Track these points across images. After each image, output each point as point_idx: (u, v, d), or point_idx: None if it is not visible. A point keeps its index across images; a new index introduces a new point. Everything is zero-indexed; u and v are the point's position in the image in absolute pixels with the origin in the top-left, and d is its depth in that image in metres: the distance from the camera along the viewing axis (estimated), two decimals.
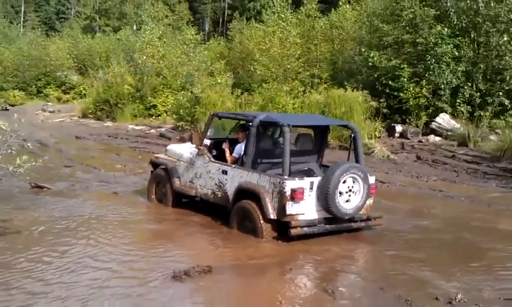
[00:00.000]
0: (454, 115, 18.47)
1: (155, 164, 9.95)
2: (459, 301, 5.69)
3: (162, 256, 7.05)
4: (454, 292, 5.88)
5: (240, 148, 8.54)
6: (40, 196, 10.24)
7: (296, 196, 7.34)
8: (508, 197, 11.52)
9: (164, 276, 6.17)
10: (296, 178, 7.56)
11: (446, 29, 18.53)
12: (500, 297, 5.90)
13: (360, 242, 8.05)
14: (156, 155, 10.55)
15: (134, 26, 45.19)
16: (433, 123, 18.41)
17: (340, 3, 25.86)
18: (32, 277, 6.03)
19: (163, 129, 22.78)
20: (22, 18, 69.09)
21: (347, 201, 7.65)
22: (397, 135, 18.60)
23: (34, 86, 37.52)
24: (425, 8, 19.11)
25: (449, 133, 17.79)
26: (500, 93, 18.11)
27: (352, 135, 8.40)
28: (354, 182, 7.70)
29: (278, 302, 5.81)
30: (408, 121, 19.04)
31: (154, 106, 26.24)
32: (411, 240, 8.17)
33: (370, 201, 8.09)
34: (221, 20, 50.90)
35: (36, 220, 8.34)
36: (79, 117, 29.29)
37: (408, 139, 18.15)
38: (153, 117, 25.92)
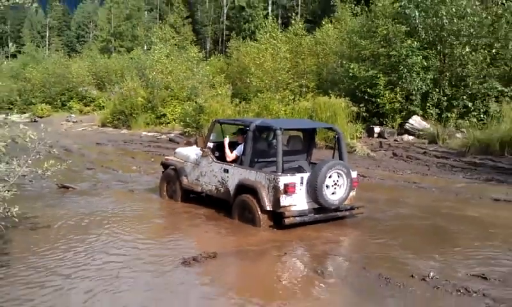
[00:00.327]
0: (424, 117, 18.48)
1: (165, 165, 9.93)
2: (431, 278, 5.70)
3: (173, 244, 7.05)
4: (427, 271, 5.89)
5: (240, 148, 8.56)
6: (65, 195, 10.23)
7: (288, 189, 7.35)
8: (473, 187, 11.53)
9: (175, 262, 6.18)
10: (288, 174, 7.56)
11: (415, 43, 18.56)
12: (467, 273, 5.91)
13: (345, 228, 8.04)
14: (166, 157, 10.52)
15: (145, 46, 45.12)
16: (407, 124, 18.42)
17: (323, 22, 25.89)
18: (58, 265, 6.04)
19: (172, 135, 22.71)
20: (47, 42, 69.09)
21: (333, 193, 7.66)
22: (375, 135, 18.59)
23: (58, 100, 37.42)
24: (397, 25, 19.15)
25: (421, 132, 17.80)
26: (464, 97, 18.12)
27: (336, 136, 8.43)
28: (338, 177, 7.70)
29: (276, 282, 5.82)
30: (384, 123, 19.06)
31: (164, 115, 26.21)
32: (389, 226, 8.17)
33: (353, 193, 8.08)
34: (220, 40, 50.77)
35: (63, 216, 8.33)
36: (98, 126, 29.24)
37: (385, 138, 18.16)
38: (163, 124, 25.88)
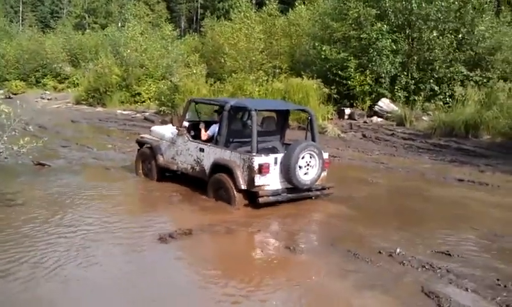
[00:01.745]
0: (393, 99, 18.67)
1: (141, 143, 9.83)
2: (398, 254, 5.86)
3: (149, 221, 7.03)
4: (394, 247, 6.03)
5: (214, 128, 8.58)
6: (41, 172, 10.10)
7: (262, 169, 7.40)
8: (437, 168, 11.77)
9: (151, 239, 6.19)
10: (263, 155, 7.61)
11: (385, 26, 18.65)
12: (432, 250, 6.08)
13: (316, 207, 8.14)
14: (142, 135, 10.43)
15: (119, 23, 44.34)
16: (376, 106, 18.61)
17: (297, 4, 25.84)
18: (33, 239, 6.00)
19: (147, 113, 22.51)
20: (20, 17, 67.05)
21: (305, 173, 7.73)
22: (346, 117, 18.71)
23: (33, 77, 36.64)
24: (368, 8, 19.17)
25: (389, 114, 18.01)
26: (431, 81, 18.36)
27: (309, 117, 8.48)
28: (311, 157, 7.77)
29: (249, 258, 5.91)
30: (354, 104, 19.19)
31: (139, 93, 25.93)
32: (358, 205, 8.29)
33: (324, 174, 8.15)
34: (194, 18, 50.26)
35: (38, 193, 8.27)
36: (73, 103, 28.76)
37: (355, 120, 18.32)
38: (139, 103, 25.62)
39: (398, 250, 5.93)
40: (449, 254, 5.93)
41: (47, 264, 5.31)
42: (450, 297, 4.79)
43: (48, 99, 31.19)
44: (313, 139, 8.28)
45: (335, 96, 19.15)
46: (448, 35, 18.32)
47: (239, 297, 4.78)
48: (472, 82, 17.69)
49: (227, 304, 4.67)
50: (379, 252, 5.94)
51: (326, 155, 8.09)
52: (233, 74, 21.36)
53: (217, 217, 7.27)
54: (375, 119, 18.24)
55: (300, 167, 7.62)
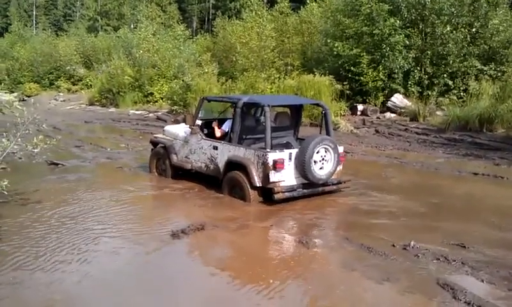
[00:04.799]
0: (406, 95, 18.56)
1: (154, 143, 9.89)
2: (412, 247, 5.84)
3: (163, 218, 7.08)
4: (408, 240, 6.02)
5: (227, 124, 8.58)
6: (55, 172, 10.19)
7: (277, 165, 7.39)
8: (451, 162, 11.71)
9: (164, 234, 6.24)
10: (277, 151, 7.60)
11: (398, 22, 18.52)
12: (447, 243, 6.06)
13: (331, 202, 8.12)
14: (155, 135, 10.46)
15: (132, 25, 44.50)
16: (389, 102, 18.50)
17: (308, 1, 25.77)
18: (46, 239, 6.07)
19: (160, 113, 22.57)
20: (34, 21, 67.77)
21: (320, 168, 7.72)
22: (358, 113, 18.62)
23: (47, 79, 36.87)
24: (380, 3, 18.99)
25: (402, 110, 17.90)
26: (445, 75, 18.22)
27: (323, 111, 8.47)
28: (326, 152, 7.76)
29: (262, 253, 5.93)
30: (367, 101, 19.08)
31: (151, 93, 26.00)
32: (372, 199, 8.27)
33: (340, 168, 8.16)
34: (206, 19, 50.30)
35: (52, 192, 8.34)
36: (86, 104, 28.94)
37: (368, 116, 18.22)
38: (151, 103, 25.68)
39: (412, 243, 5.92)
40: (464, 247, 5.91)
41: (62, 260, 5.39)
42: (465, 289, 4.76)
43: (61, 101, 31.43)
44: (328, 133, 8.26)
45: (348, 92, 19.05)
46: (462, 29, 18.18)
47: (251, 292, 4.79)
48: (486, 76, 17.56)
49: (239, 297, 4.69)
50: (393, 245, 5.93)
51: (341, 149, 8.08)
52: (244, 72, 21.36)
53: (230, 213, 7.29)
54: (388, 114, 18.14)
55: (315, 161, 7.61)
